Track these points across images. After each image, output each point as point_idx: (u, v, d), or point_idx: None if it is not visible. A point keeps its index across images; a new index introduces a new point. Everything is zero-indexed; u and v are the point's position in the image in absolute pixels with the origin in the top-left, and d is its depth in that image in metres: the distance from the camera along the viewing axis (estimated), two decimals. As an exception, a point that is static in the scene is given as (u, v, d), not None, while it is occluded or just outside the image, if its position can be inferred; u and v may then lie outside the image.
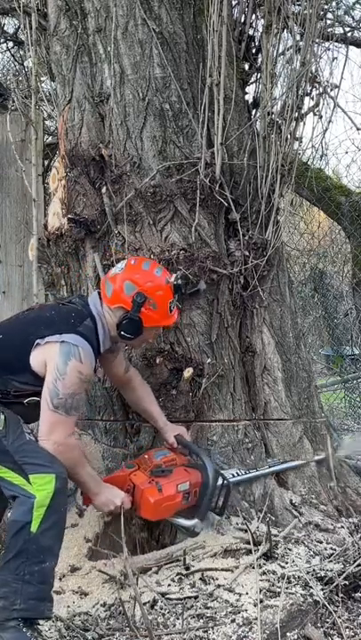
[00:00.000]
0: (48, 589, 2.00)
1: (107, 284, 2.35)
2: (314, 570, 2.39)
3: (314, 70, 3.08)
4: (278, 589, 2.25)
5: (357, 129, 4.69)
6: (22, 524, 1.96)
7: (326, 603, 2.19)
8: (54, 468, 2.04)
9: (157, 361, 2.76)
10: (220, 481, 2.48)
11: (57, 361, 2.12)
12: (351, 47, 4.32)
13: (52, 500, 1.99)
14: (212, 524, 2.61)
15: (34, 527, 1.96)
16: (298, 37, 2.99)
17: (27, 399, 2.21)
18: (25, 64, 5.31)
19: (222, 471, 2.62)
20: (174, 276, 2.38)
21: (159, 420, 2.62)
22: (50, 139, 5.00)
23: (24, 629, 1.93)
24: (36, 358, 2.17)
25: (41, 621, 2.06)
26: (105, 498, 2.30)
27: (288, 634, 2.05)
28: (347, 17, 4.59)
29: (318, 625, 2.13)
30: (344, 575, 2.30)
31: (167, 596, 2.29)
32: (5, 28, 5.66)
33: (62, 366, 2.11)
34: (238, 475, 2.72)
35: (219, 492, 2.48)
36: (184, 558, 2.45)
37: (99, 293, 2.39)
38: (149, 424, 2.72)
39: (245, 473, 2.75)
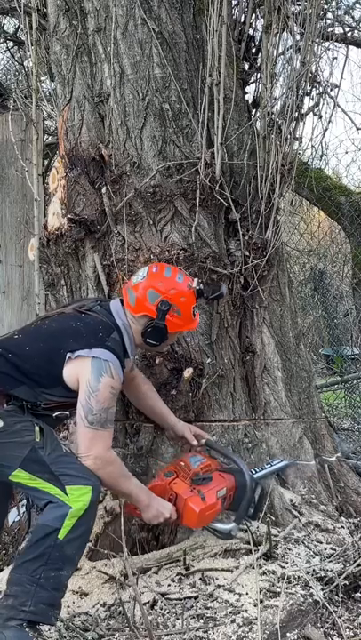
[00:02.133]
0: (59, 597, 2.00)
1: (129, 293, 2.34)
2: (314, 570, 2.38)
3: (314, 70, 3.08)
4: (278, 589, 2.25)
5: (357, 129, 4.71)
6: (51, 530, 1.97)
7: (326, 603, 2.19)
8: (91, 481, 2.05)
9: (157, 361, 2.76)
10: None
11: (89, 378, 2.12)
12: (351, 47, 4.34)
13: (86, 511, 2.00)
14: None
15: (61, 534, 1.96)
16: (298, 37, 2.99)
17: (56, 412, 2.22)
18: (25, 64, 5.31)
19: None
20: (195, 280, 2.40)
21: (169, 417, 2.62)
22: (50, 139, 5.00)
23: (26, 629, 1.93)
24: (69, 373, 2.17)
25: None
26: (156, 510, 2.27)
27: (288, 634, 2.05)
28: (347, 17, 4.60)
29: (318, 625, 2.13)
30: (344, 575, 2.30)
31: (167, 596, 2.29)
32: (5, 28, 5.66)
33: (95, 383, 2.11)
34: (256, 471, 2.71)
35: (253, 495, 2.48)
36: (184, 558, 2.45)
37: (121, 301, 2.38)
38: (150, 424, 2.72)
39: (262, 469, 2.72)
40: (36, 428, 2.10)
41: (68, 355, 2.16)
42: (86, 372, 2.13)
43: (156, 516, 2.27)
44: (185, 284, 2.36)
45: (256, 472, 2.67)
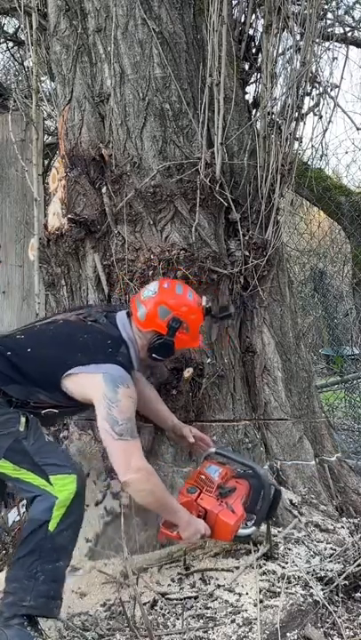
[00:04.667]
0: (59, 588, 2.00)
1: (138, 307, 2.34)
2: (314, 570, 2.38)
3: (314, 70, 3.08)
4: (278, 589, 2.24)
5: (357, 129, 4.71)
6: (41, 523, 1.96)
7: (326, 603, 2.19)
8: (75, 469, 2.04)
9: (157, 361, 2.76)
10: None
11: (105, 391, 2.10)
12: (351, 47, 4.34)
13: (73, 500, 1.99)
14: None
15: (52, 526, 1.96)
16: (298, 37, 2.99)
17: (44, 410, 2.21)
18: (25, 64, 5.31)
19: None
20: (205, 299, 2.41)
21: (170, 418, 2.62)
22: (50, 139, 5.00)
23: (27, 628, 1.93)
24: (72, 385, 2.17)
25: (40, 620, 2.05)
26: (195, 528, 2.24)
27: (288, 634, 2.04)
28: (347, 17, 4.60)
29: (318, 625, 2.13)
30: (344, 575, 2.30)
31: (167, 596, 2.29)
32: (5, 28, 5.66)
33: (113, 395, 2.09)
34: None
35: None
36: (184, 558, 2.45)
37: (127, 314, 2.37)
38: (150, 424, 2.73)
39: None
40: (22, 419, 2.10)
41: (74, 369, 2.15)
42: (99, 388, 2.11)
43: (195, 533, 2.24)
44: (195, 301, 2.37)
45: None
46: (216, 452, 2.57)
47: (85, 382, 2.15)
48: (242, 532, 2.39)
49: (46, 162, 4.68)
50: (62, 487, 1.99)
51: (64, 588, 2.35)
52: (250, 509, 2.43)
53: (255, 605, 2.16)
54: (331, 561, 2.45)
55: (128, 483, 2.09)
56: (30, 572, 1.94)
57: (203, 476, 2.42)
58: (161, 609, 2.23)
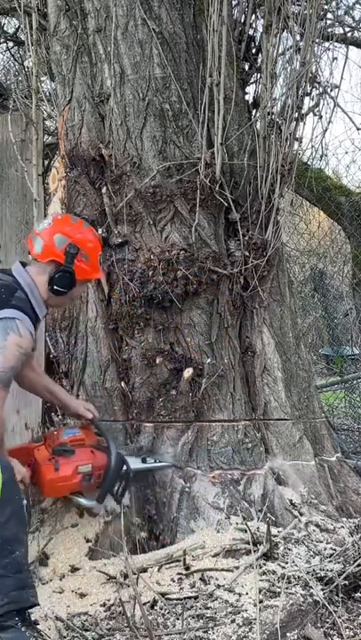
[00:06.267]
0: (26, 577, 1.97)
1: (35, 240, 2.33)
2: (314, 570, 2.38)
3: (314, 70, 3.08)
4: (278, 589, 2.24)
5: (357, 129, 4.70)
6: None
7: (326, 603, 2.18)
8: None
9: (157, 361, 2.76)
10: (124, 467, 2.49)
11: None
12: (351, 47, 4.33)
13: (3, 491, 1.94)
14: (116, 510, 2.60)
15: None
16: (298, 37, 2.99)
17: None
18: (25, 64, 5.31)
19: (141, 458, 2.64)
20: (100, 229, 2.47)
21: (64, 395, 2.62)
22: (50, 139, 5.00)
23: (22, 628, 1.92)
24: None
25: (40, 620, 2.06)
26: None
27: (288, 634, 2.04)
28: (347, 17, 4.59)
29: (318, 625, 2.13)
30: (344, 575, 2.30)
31: (167, 596, 2.29)
32: (5, 28, 5.66)
33: (1, 341, 2.07)
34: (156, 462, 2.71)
35: (121, 477, 2.49)
36: (184, 558, 2.45)
37: (21, 263, 2.36)
38: (150, 424, 2.73)
39: (157, 462, 2.73)
40: None
41: None
42: None
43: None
44: (91, 231, 2.40)
45: (148, 461, 2.68)
46: (92, 419, 2.59)
47: None
48: (83, 500, 2.43)
49: (46, 162, 4.68)
50: None
51: (65, 587, 2.37)
52: (100, 484, 2.44)
53: (255, 605, 2.16)
54: (331, 561, 2.45)
55: None
56: None
57: (56, 433, 2.46)
58: (161, 609, 2.23)
